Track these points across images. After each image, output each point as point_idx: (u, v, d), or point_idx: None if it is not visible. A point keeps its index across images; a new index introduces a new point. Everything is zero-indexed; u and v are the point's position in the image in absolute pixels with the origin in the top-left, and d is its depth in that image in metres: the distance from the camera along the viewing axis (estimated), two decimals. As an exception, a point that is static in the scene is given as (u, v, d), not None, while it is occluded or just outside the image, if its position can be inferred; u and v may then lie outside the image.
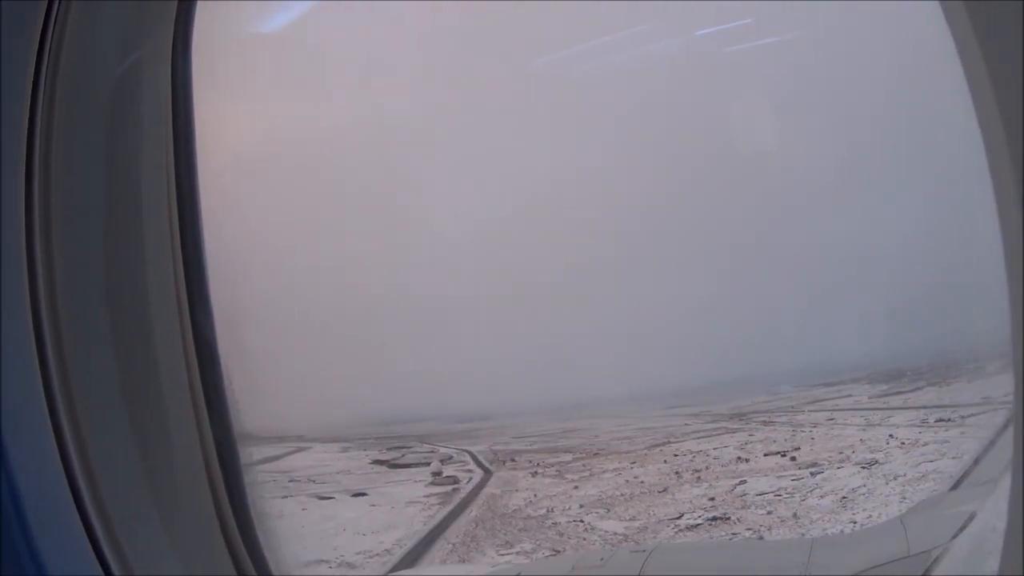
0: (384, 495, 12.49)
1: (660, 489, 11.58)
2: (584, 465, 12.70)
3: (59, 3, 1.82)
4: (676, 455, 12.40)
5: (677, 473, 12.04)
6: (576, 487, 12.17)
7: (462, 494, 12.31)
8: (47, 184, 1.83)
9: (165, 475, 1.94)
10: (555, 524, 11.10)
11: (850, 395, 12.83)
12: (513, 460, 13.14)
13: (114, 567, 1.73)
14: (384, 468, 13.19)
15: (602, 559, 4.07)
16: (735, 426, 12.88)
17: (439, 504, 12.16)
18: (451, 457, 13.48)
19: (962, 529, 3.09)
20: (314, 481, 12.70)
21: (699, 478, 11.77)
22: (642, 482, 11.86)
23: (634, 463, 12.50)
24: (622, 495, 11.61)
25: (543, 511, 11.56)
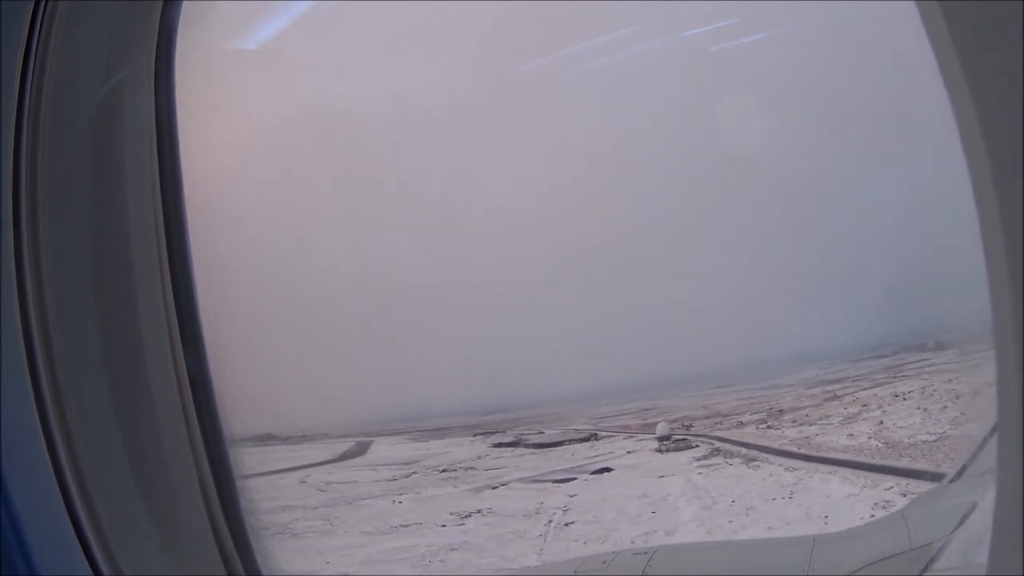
0: (636, 468, 11.83)
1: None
2: (795, 419, 12.21)
3: (42, 22, 1.84)
4: (897, 394, 11.93)
5: (958, 398, 11.59)
6: (882, 422, 11.78)
7: (741, 454, 11.61)
8: (34, 204, 1.84)
9: (155, 475, 1.96)
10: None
11: (928, 359, 12.53)
12: (689, 425, 12.51)
13: (104, 567, 1.74)
14: (528, 450, 12.48)
15: (604, 561, 4.06)
16: (871, 384, 12.37)
17: (752, 464, 11.42)
18: (595, 433, 12.86)
19: (964, 520, 3.09)
20: (473, 468, 12.06)
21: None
22: (945, 407, 11.39)
23: (865, 406, 12.02)
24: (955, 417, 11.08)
25: (935, 436, 10.90)
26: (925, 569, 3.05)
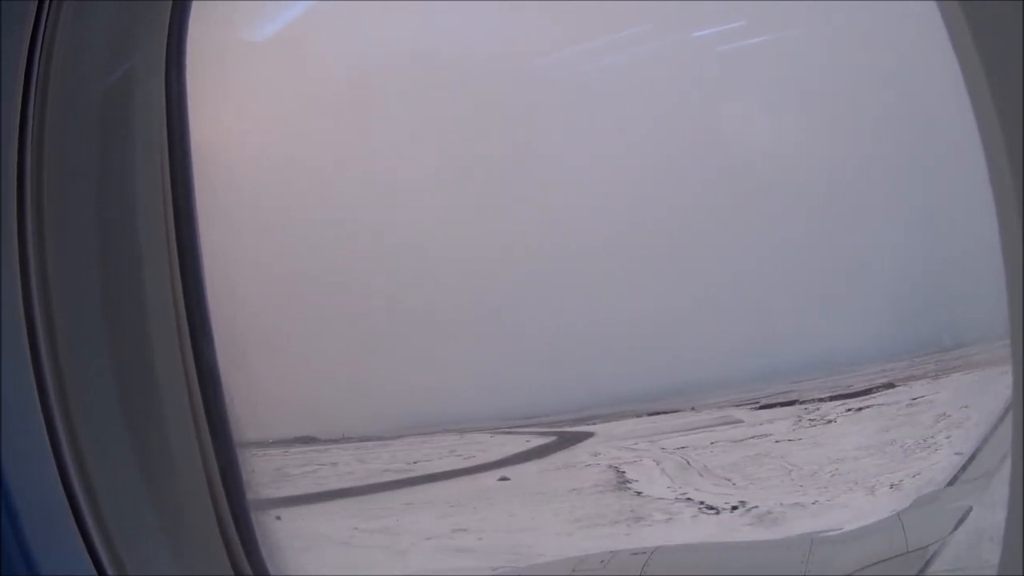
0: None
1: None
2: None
3: (49, 11, 1.82)
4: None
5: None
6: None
7: None
8: (40, 195, 1.83)
9: (162, 477, 1.94)
10: None
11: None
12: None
13: (108, 568, 1.73)
14: (751, 408, 11.44)
15: (602, 561, 4.06)
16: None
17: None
18: (796, 399, 12.09)
19: (959, 524, 3.12)
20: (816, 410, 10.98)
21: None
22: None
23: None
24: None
25: None
26: (921, 571, 3.08)
